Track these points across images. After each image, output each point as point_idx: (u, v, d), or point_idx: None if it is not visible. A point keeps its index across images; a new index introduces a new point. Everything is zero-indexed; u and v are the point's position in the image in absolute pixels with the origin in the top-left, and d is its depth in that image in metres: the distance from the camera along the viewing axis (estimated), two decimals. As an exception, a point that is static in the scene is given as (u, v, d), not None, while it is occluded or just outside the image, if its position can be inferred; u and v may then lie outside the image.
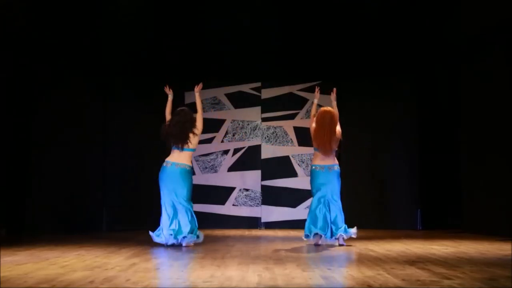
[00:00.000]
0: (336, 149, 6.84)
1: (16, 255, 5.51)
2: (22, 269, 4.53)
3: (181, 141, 6.65)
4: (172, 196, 6.58)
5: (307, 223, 6.77)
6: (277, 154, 9.89)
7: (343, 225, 6.69)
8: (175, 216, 6.54)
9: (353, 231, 6.69)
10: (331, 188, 6.75)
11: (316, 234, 6.64)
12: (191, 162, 6.83)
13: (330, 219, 6.67)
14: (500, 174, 7.90)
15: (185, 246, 6.39)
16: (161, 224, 6.60)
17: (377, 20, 9.01)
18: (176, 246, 6.40)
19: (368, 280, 3.92)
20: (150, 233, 6.60)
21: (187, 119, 6.75)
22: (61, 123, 8.89)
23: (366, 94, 9.71)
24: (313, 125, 6.91)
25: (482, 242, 6.80)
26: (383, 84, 9.68)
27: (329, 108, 6.91)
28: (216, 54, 9.71)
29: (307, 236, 6.72)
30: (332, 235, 6.65)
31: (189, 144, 6.69)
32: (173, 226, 6.49)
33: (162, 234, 6.53)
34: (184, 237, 6.45)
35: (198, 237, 6.61)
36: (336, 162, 6.87)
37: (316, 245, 6.60)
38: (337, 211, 6.72)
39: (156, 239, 6.53)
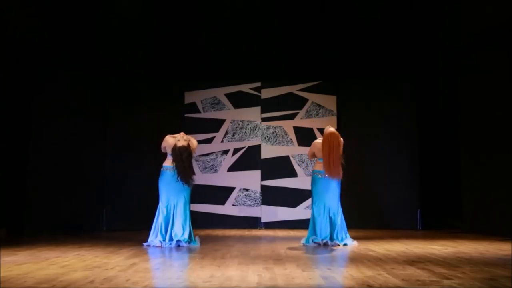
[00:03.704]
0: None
1: (16, 255, 5.52)
2: (22, 269, 4.53)
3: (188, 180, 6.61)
4: (173, 200, 6.57)
5: (310, 232, 6.71)
6: (277, 154, 9.89)
7: (346, 238, 6.65)
8: (170, 222, 6.52)
9: (354, 244, 6.62)
10: (332, 196, 6.70)
11: (315, 242, 6.63)
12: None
13: (332, 229, 6.63)
14: (500, 174, 7.90)
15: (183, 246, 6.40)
16: (153, 229, 6.57)
17: (377, 20, 9.02)
18: (175, 247, 6.39)
19: (368, 280, 3.92)
20: (145, 244, 6.55)
21: (188, 163, 6.57)
22: (60, 123, 8.91)
23: (366, 94, 9.71)
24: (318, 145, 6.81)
25: (482, 242, 6.80)
26: (383, 84, 9.68)
27: (334, 131, 6.79)
28: (216, 54, 9.71)
29: (306, 241, 6.68)
30: (332, 239, 6.63)
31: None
32: (164, 233, 6.47)
33: (153, 238, 6.50)
34: (178, 241, 6.43)
35: (195, 241, 6.59)
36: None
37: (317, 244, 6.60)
38: (339, 221, 6.67)
39: (152, 244, 6.50)
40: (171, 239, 6.46)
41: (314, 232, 6.68)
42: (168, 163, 6.67)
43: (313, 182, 6.84)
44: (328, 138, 6.67)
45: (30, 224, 8.45)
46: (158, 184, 6.68)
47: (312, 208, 6.85)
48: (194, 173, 6.71)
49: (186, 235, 6.46)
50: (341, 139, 6.77)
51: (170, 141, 6.64)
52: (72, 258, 5.30)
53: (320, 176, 6.75)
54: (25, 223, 8.45)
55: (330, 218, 6.67)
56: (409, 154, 9.44)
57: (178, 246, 6.40)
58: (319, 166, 6.80)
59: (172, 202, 6.57)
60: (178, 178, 6.54)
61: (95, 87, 9.40)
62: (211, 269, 4.52)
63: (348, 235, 6.73)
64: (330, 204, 6.69)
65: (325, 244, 6.55)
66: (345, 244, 6.54)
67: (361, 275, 4.19)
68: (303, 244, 6.67)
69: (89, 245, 6.55)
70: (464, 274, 4.17)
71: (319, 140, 6.91)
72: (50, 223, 8.57)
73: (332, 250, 6.12)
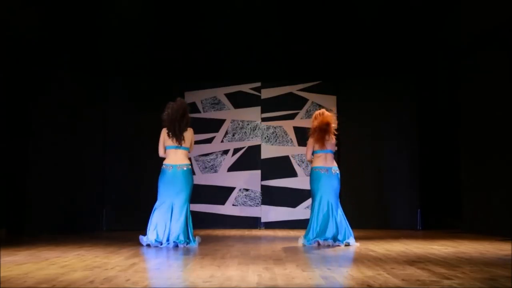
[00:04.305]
0: (334, 149, 6.78)
1: (16, 255, 5.51)
2: (22, 269, 4.53)
3: (179, 130, 6.63)
4: (172, 199, 6.54)
5: (312, 230, 6.62)
6: (277, 154, 9.89)
7: (350, 236, 6.60)
8: (168, 222, 6.48)
9: (356, 244, 6.56)
10: (335, 192, 6.68)
11: (317, 241, 6.60)
12: (190, 160, 6.82)
13: (336, 228, 6.58)
14: (499, 174, 7.91)
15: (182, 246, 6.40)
16: (149, 227, 6.53)
17: (377, 20, 9.02)
18: (173, 247, 6.38)
19: (368, 280, 3.92)
20: (141, 237, 6.56)
21: (182, 112, 6.69)
22: (60, 123, 8.91)
23: (366, 94, 9.71)
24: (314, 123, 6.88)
25: (482, 242, 6.80)
26: (383, 84, 9.68)
27: (327, 113, 6.86)
28: (216, 54, 9.71)
29: (308, 241, 6.61)
30: (336, 240, 6.60)
31: (183, 140, 6.66)
32: (161, 233, 6.44)
33: (149, 236, 6.47)
34: (175, 242, 6.41)
35: (194, 242, 6.56)
36: (336, 164, 6.84)
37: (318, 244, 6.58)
38: (343, 220, 6.63)
39: (145, 241, 6.47)
40: (168, 239, 6.44)
41: (315, 232, 6.63)
42: (167, 161, 6.66)
43: (314, 179, 6.76)
44: (319, 116, 6.79)
45: (30, 224, 8.45)
46: (158, 182, 6.66)
47: (312, 207, 6.79)
48: (185, 128, 6.65)
49: (181, 237, 6.43)
50: (334, 118, 6.83)
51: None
52: (72, 258, 5.30)
53: (322, 171, 6.72)
54: (25, 223, 8.45)
55: (334, 216, 6.63)
56: (409, 154, 9.44)
57: (176, 246, 6.39)
58: (318, 162, 6.78)
59: (169, 202, 6.53)
60: (170, 133, 6.59)
61: (95, 87, 9.40)
62: (211, 269, 4.51)
63: (352, 234, 6.67)
64: (331, 200, 6.65)
65: (328, 245, 6.52)
66: (347, 244, 6.51)
67: (361, 275, 4.19)
68: (304, 244, 6.64)
69: (89, 245, 6.55)
70: (464, 274, 4.17)
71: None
72: (50, 223, 8.57)
73: (332, 250, 6.12)
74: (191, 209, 6.80)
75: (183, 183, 6.59)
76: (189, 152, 6.80)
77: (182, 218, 6.49)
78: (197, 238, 6.65)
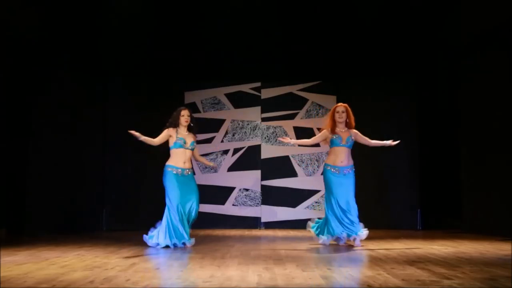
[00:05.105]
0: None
1: (16, 255, 5.52)
2: (22, 269, 4.53)
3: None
4: (184, 202, 6.49)
5: (324, 230, 6.63)
6: (277, 154, 9.89)
7: (359, 229, 6.58)
8: (183, 223, 6.47)
9: (364, 233, 6.59)
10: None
11: (335, 236, 6.57)
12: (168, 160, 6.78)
13: (344, 225, 6.58)
14: (500, 174, 7.91)
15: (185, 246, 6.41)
16: (164, 229, 6.43)
17: (377, 20, 9.02)
18: (175, 246, 6.39)
19: (368, 280, 3.92)
20: (145, 236, 6.55)
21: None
22: (60, 123, 8.91)
23: (366, 94, 9.70)
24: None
25: (482, 242, 6.80)
26: (383, 84, 9.68)
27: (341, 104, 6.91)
28: (216, 54, 9.71)
29: (326, 238, 6.60)
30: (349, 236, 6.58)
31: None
32: (178, 236, 6.41)
33: (163, 239, 6.40)
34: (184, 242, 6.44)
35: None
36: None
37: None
38: (353, 218, 6.62)
39: (150, 243, 6.45)
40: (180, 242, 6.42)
41: (328, 231, 6.60)
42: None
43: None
44: (336, 108, 6.87)
45: (30, 224, 8.45)
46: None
47: (325, 204, 6.78)
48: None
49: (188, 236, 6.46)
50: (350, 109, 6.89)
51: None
52: (72, 258, 5.30)
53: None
54: (25, 223, 8.45)
55: (341, 214, 6.59)
56: (409, 154, 9.43)
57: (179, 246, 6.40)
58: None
59: (182, 203, 6.47)
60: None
61: (95, 87, 9.40)
62: (211, 269, 4.52)
63: (359, 225, 6.64)
64: (341, 201, 6.59)
65: (337, 239, 6.53)
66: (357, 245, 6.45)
67: (361, 275, 4.19)
68: (323, 242, 6.57)
69: (89, 245, 6.56)
70: (464, 274, 4.17)
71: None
72: (50, 223, 8.57)
73: (332, 250, 6.12)
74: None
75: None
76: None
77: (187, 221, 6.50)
78: (192, 240, 6.57)
